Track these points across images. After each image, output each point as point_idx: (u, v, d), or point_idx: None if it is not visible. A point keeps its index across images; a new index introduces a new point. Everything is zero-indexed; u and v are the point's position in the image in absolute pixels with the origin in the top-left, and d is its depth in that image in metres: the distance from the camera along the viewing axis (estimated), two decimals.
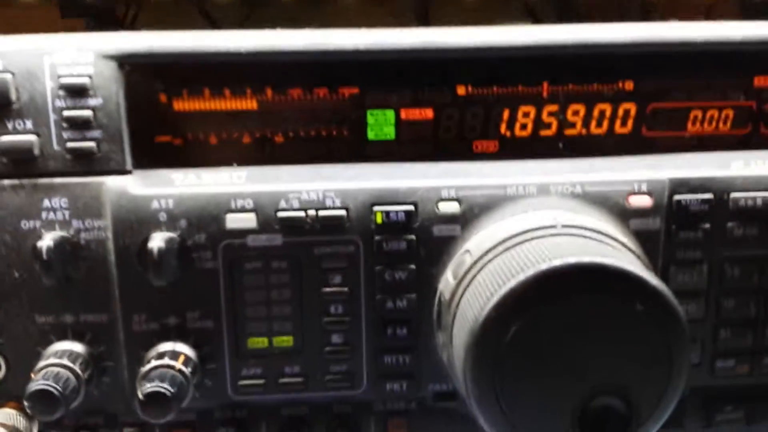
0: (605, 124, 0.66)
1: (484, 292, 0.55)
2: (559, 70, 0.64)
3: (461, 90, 0.64)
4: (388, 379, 0.66)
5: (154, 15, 1.16)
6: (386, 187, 0.63)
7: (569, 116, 0.65)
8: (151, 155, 0.63)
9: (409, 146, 0.65)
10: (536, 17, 1.16)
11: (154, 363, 0.61)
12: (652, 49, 0.64)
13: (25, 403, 0.59)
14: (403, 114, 0.64)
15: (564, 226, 0.59)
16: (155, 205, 0.61)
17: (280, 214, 0.62)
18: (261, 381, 0.65)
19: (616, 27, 0.64)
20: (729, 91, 0.66)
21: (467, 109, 0.64)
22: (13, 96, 0.59)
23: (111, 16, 1.17)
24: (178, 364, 0.61)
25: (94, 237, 0.61)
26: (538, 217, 0.61)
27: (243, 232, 0.62)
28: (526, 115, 0.65)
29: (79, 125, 0.60)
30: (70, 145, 0.60)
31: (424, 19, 1.16)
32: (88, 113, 0.60)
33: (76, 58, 0.60)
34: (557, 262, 0.53)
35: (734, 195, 0.64)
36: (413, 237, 0.63)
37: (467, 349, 0.54)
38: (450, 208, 0.63)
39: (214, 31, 0.63)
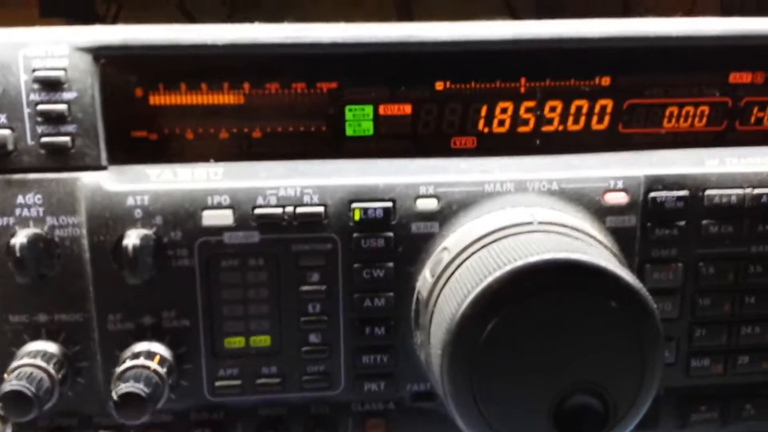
0: (582, 120, 0.66)
1: (461, 290, 0.55)
2: (536, 66, 0.64)
3: (439, 85, 0.64)
4: (366, 380, 0.65)
5: (135, 14, 1.16)
6: (364, 183, 0.62)
7: (546, 112, 0.65)
8: (127, 150, 0.62)
9: (388, 142, 0.64)
10: (515, 13, 1.16)
11: (129, 363, 0.60)
12: (629, 44, 0.64)
13: None
14: (382, 109, 0.64)
15: (541, 223, 0.59)
16: (130, 201, 0.60)
17: (258, 210, 0.61)
18: (238, 382, 0.64)
19: (592, 22, 0.64)
20: (704, 87, 0.66)
21: (445, 105, 0.64)
22: None
23: (91, 15, 1.17)
24: (154, 365, 0.60)
25: (69, 234, 0.61)
26: (515, 214, 0.61)
27: (219, 229, 0.61)
28: (503, 111, 0.65)
29: (53, 119, 0.60)
30: (44, 140, 0.60)
31: (406, 14, 1.16)
32: (62, 107, 0.59)
33: (50, 50, 0.59)
34: (533, 259, 0.53)
35: (709, 192, 0.65)
36: (391, 234, 0.62)
37: (444, 347, 0.54)
38: (428, 204, 0.63)
39: (191, 25, 0.63)
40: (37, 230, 0.60)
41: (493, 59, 0.64)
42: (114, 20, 1.16)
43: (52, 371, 0.60)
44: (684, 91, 0.66)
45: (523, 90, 0.64)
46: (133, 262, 0.59)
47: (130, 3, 1.14)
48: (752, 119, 0.67)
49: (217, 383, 0.64)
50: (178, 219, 0.61)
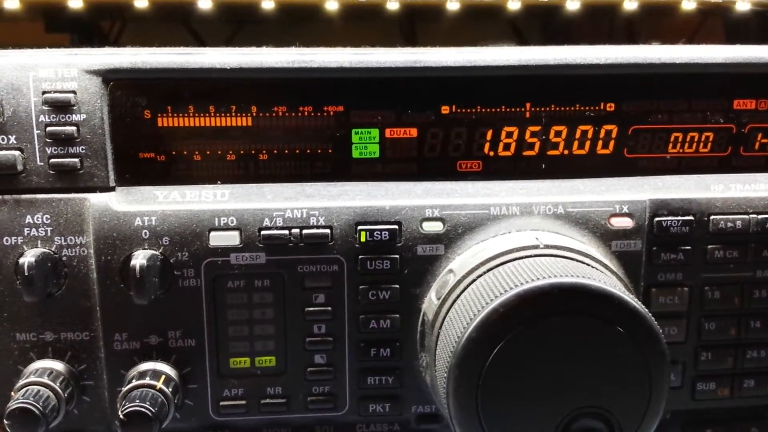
0: (587, 145, 0.66)
1: (467, 313, 0.55)
2: (541, 91, 0.65)
3: (445, 109, 0.64)
4: (371, 401, 0.65)
5: (139, 30, 1.16)
6: (370, 205, 0.63)
7: (552, 137, 0.66)
8: (135, 172, 0.63)
9: (394, 165, 0.65)
10: (523, 38, 1.17)
11: (134, 382, 0.60)
12: (634, 70, 0.64)
13: (5, 422, 0.58)
14: (388, 133, 0.64)
15: (546, 247, 0.60)
16: (138, 222, 0.61)
17: (264, 232, 0.62)
18: (242, 402, 0.65)
19: (598, 48, 0.65)
20: (709, 113, 0.66)
21: (451, 129, 0.65)
22: None
23: (96, 31, 1.17)
24: (159, 384, 0.60)
25: (76, 254, 0.61)
26: (520, 238, 0.61)
27: (226, 250, 0.62)
28: (509, 135, 0.65)
29: (62, 141, 0.60)
30: (53, 161, 0.60)
31: (411, 38, 1.17)
32: (71, 129, 0.60)
33: (60, 73, 0.60)
34: (539, 283, 0.53)
35: (714, 217, 0.65)
36: (397, 256, 0.63)
37: (450, 370, 0.54)
38: (434, 227, 0.63)
39: (200, 48, 0.64)
40: (45, 250, 0.61)
41: (499, 84, 0.64)
42: (118, 37, 1.17)
43: (58, 389, 0.60)
44: (688, 117, 0.66)
45: (528, 115, 0.65)
46: (140, 282, 0.59)
47: (134, 20, 1.14)
48: (756, 145, 0.68)
49: (222, 403, 0.64)
50: (185, 240, 0.61)
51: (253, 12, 1.06)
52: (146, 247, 0.61)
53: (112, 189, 0.62)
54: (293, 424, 0.67)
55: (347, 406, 0.65)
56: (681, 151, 0.67)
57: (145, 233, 0.61)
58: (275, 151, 0.64)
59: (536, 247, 0.60)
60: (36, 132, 0.60)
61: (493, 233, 0.63)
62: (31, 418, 0.58)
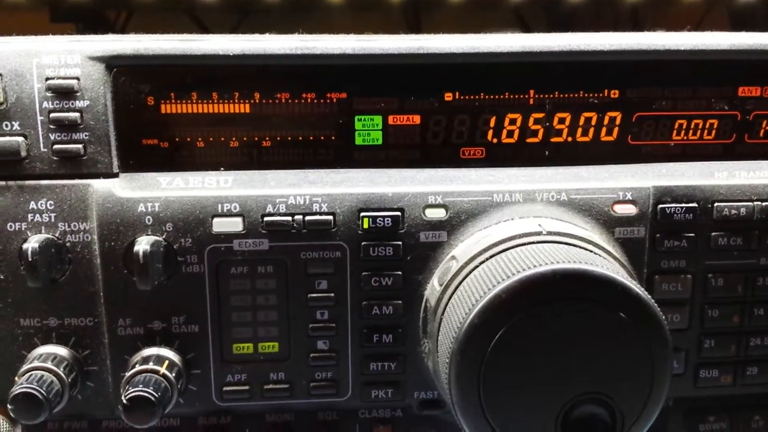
0: (591, 132, 0.66)
1: (470, 299, 0.55)
2: (545, 78, 0.64)
3: (448, 96, 0.64)
4: (374, 387, 0.66)
5: (144, 20, 1.17)
6: (373, 192, 0.63)
7: (555, 124, 0.65)
8: (138, 158, 0.63)
9: (397, 152, 0.65)
10: (526, 25, 1.17)
11: (138, 368, 0.61)
12: (638, 57, 0.64)
13: (9, 407, 0.58)
14: (391, 119, 0.64)
15: (549, 234, 0.60)
16: (141, 208, 0.61)
17: (267, 218, 0.62)
18: (246, 387, 0.65)
19: (602, 35, 0.64)
20: (714, 100, 0.66)
21: (454, 116, 0.65)
22: (1, 97, 0.59)
23: (101, 21, 1.17)
24: (163, 369, 0.61)
25: (80, 240, 0.61)
26: (523, 224, 0.61)
27: (229, 236, 0.62)
28: (512, 122, 0.65)
29: (66, 127, 0.60)
30: (56, 147, 0.60)
31: (415, 25, 1.16)
32: (75, 115, 0.60)
33: (64, 59, 0.60)
34: (542, 269, 0.53)
35: (718, 204, 0.65)
36: (400, 243, 0.63)
37: (452, 355, 0.54)
38: (436, 214, 0.63)
39: (203, 35, 0.63)
40: (49, 236, 0.61)
41: (502, 71, 0.64)
42: (124, 26, 1.17)
43: (62, 374, 0.60)
44: (693, 104, 0.66)
45: (531, 101, 0.65)
46: (144, 267, 0.59)
47: (140, 9, 1.14)
48: (761, 132, 0.67)
49: (225, 388, 0.65)
50: (189, 226, 0.61)
51: (258, 1, 1.06)
52: (150, 233, 0.61)
53: (116, 175, 0.62)
54: (296, 409, 0.67)
55: (350, 392, 0.66)
56: (685, 138, 0.67)
57: (149, 219, 0.61)
58: (278, 138, 0.64)
59: (539, 233, 0.60)
60: (39, 118, 0.60)
61: (496, 220, 0.63)
62: (35, 403, 0.58)
